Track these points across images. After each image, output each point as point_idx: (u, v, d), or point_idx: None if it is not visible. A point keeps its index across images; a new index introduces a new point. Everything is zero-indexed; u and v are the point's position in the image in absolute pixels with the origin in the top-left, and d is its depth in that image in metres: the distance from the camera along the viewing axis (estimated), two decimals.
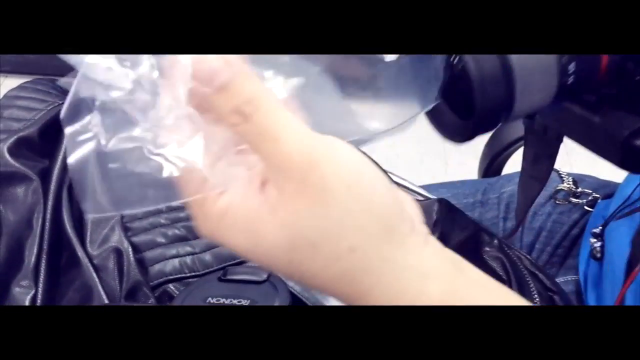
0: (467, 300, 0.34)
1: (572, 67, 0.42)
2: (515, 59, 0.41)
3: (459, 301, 0.34)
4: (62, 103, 0.67)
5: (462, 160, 1.81)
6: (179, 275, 0.57)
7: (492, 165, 0.99)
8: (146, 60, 0.32)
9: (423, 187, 0.96)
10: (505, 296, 0.37)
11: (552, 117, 0.53)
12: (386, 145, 1.88)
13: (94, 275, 0.55)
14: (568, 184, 0.83)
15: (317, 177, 0.32)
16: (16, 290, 0.55)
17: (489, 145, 1.01)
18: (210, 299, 0.51)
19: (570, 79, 0.42)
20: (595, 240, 0.69)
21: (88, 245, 0.57)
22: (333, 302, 0.38)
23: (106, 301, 0.54)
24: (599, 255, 0.68)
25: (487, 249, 0.61)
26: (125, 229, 0.58)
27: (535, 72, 0.41)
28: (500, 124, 0.45)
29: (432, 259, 0.35)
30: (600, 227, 0.69)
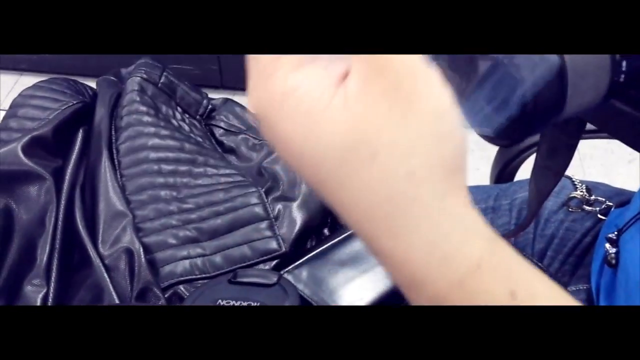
0: (501, 269, 0.33)
1: (624, 66, 0.42)
2: (569, 59, 0.40)
3: (495, 266, 0.32)
4: (77, 103, 0.68)
5: (476, 166, 1.80)
6: (190, 277, 0.57)
7: (504, 171, 0.99)
8: None
9: None
10: (536, 276, 0.34)
11: (591, 114, 0.52)
12: None
13: (105, 275, 0.56)
14: (581, 191, 0.82)
15: (412, 88, 0.30)
16: (28, 288, 0.55)
17: (501, 151, 1.01)
18: (220, 301, 0.51)
19: (621, 78, 0.42)
20: (610, 246, 0.68)
21: (100, 245, 0.58)
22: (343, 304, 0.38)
23: (117, 301, 0.54)
24: (613, 262, 0.67)
25: None
26: (137, 230, 0.58)
27: (588, 72, 0.41)
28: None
29: (478, 218, 0.33)
30: (616, 233, 0.68)
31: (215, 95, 2.05)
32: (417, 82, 0.30)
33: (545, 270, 0.62)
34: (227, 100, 0.76)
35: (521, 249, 0.83)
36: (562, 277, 0.78)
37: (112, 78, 0.75)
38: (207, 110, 0.74)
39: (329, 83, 0.30)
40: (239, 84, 2.00)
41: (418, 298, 0.33)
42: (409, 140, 0.30)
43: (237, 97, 2.00)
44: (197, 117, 0.73)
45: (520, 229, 0.73)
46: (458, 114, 0.31)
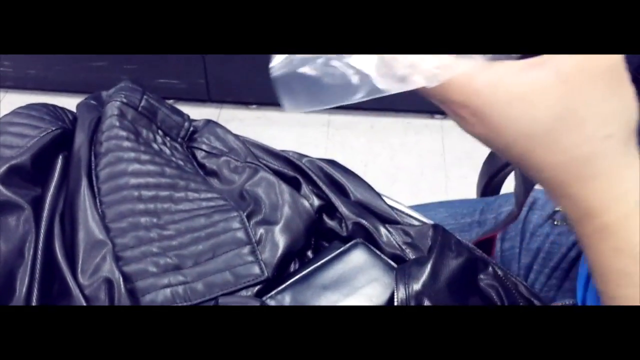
0: None
1: None
2: None
3: None
4: (56, 129, 0.67)
5: (463, 174, 1.80)
6: (171, 305, 0.57)
7: (490, 183, 0.98)
8: None
9: (421, 206, 0.95)
10: None
11: None
12: (386, 157, 1.87)
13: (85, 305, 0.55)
14: None
15: (616, 77, 0.38)
16: None
17: (486, 163, 1.01)
18: None
19: None
20: None
21: (79, 275, 0.57)
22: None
23: None
24: None
25: (482, 276, 0.60)
26: (117, 259, 0.58)
27: None
28: None
29: None
30: None
31: (204, 110, 2.05)
32: (620, 69, 0.38)
33: (530, 288, 0.61)
34: (208, 122, 0.75)
35: (508, 262, 0.83)
36: (548, 291, 0.78)
37: (92, 102, 0.74)
38: (189, 132, 0.73)
39: (526, 68, 0.37)
40: (226, 97, 2.00)
41: (585, 228, 0.41)
42: (610, 111, 0.38)
43: (225, 110, 2.00)
44: (179, 140, 0.73)
45: (510, 220, 0.72)
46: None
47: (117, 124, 0.68)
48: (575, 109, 0.37)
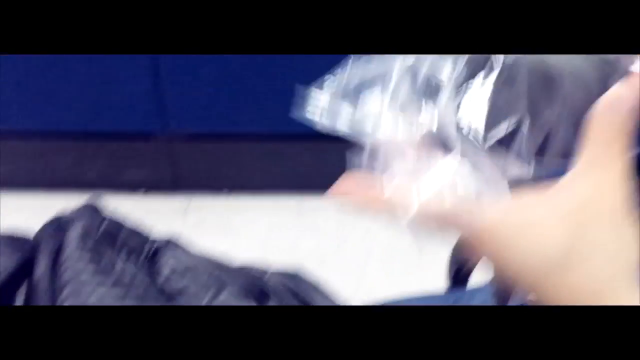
0: None
1: None
2: None
3: None
4: (15, 264, 0.67)
5: (435, 250, 1.81)
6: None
7: (458, 274, 0.98)
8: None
9: (390, 302, 0.95)
10: None
11: None
12: (358, 238, 1.87)
13: None
14: None
15: (621, 215, 0.39)
16: None
17: (453, 253, 1.01)
18: None
19: None
20: None
21: None
22: None
23: None
24: None
25: None
26: None
27: None
28: None
29: None
30: None
31: (173, 200, 2.04)
32: (623, 210, 0.39)
33: None
34: (169, 242, 0.75)
35: None
36: None
37: (52, 228, 0.74)
38: (151, 252, 0.73)
39: (535, 207, 0.39)
40: (195, 186, 2.00)
41: None
42: (613, 251, 0.39)
43: (194, 200, 2.00)
44: (141, 261, 0.72)
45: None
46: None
47: (78, 251, 0.68)
48: (580, 248, 0.39)
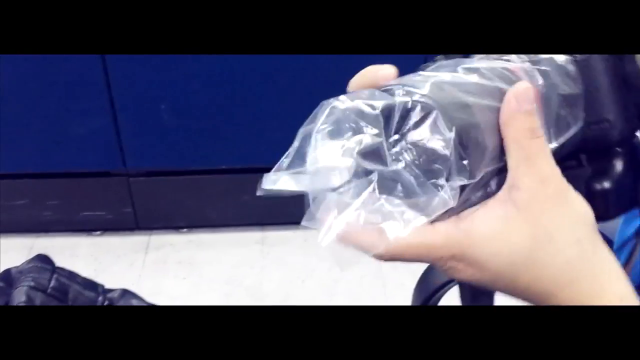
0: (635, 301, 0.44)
1: None
2: None
3: (633, 300, 0.44)
4: None
5: (401, 281, 1.80)
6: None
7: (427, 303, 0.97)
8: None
9: None
10: None
11: None
12: (323, 270, 1.85)
13: None
14: None
15: (564, 192, 0.43)
16: None
17: (417, 289, 1.00)
18: None
19: None
20: None
21: None
22: None
23: None
24: None
25: None
26: None
27: None
28: None
29: (616, 261, 0.45)
30: None
31: (133, 238, 2.00)
32: (565, 190, 0.43)
33: None
34: (124, 292, 0.72)
35: None
36: None
37: (0, 284, 0.70)
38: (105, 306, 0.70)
39: (496, 206, 0.42)
40: (155, 223, 1.96)
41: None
42: (569, 220, 0.43)
43: (155, 237, 1.96)
44: None
45: None
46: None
47: None
48: (542, 228, 0.42)
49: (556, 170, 0.43)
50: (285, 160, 0.41)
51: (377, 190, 0.38)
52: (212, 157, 1.82)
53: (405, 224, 0.39)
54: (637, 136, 0.50)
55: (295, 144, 0.40)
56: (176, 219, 1.96)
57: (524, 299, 0.45)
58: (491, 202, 0.42)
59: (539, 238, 0.42)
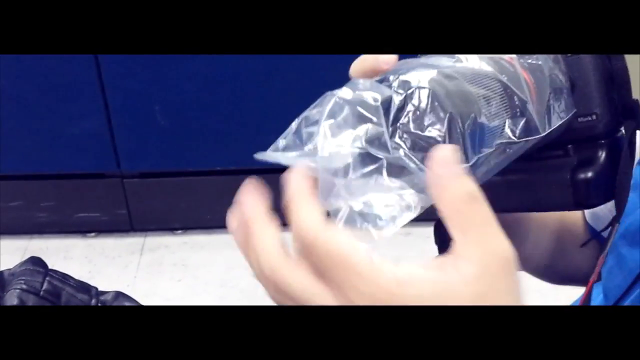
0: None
1: None
2: None
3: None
4: None
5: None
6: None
7: None
8: None
9: None
10: None
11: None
12: None
13: None
14: None
15: (510, 262, 0.40)
16: None
17: None
18: None
19: None
20: None
21: None
22: None
23: None
24: None
25: None
26: None
27: None
28: None
29: None
30: None
31: (127, 240, 1.99)
32: (510, 254, 0.40)
33: None
34: (118, 295, 0.72)
35: None
36: None
37: None
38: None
39: (434, 267, 0.39)
40: (150, 225, 1.96)
41: None
42: (515, 292, 0.41)
43: (149, 239, 1.96)
44: None
45: None
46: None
47: None
48: (485, 294, 0.40)
49: (502, 237, 0.40)
50: (282, 141, 0.41)
51: (386, 174, 0.39)
52: (206, 158, 1.81)
53: (401, 212, 0.39)
54: (620, 131, 0.51)
55: (293, 126, 0.40)
56: (171, 221, 1.95)
57: None
58: (434, 264, 0.39)
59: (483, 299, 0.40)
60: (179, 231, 1.97)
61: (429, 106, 0.39)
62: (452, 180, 0.38)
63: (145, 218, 1.93)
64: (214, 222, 1.94)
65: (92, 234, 1.95)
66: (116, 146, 1.75)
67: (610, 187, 0.51)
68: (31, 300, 0.66)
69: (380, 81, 0.40)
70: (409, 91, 0.39)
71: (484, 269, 0.39)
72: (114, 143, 1.74)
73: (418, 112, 0.39)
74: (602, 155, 0.51)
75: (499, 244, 0.40)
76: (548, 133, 0.47)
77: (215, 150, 1.79)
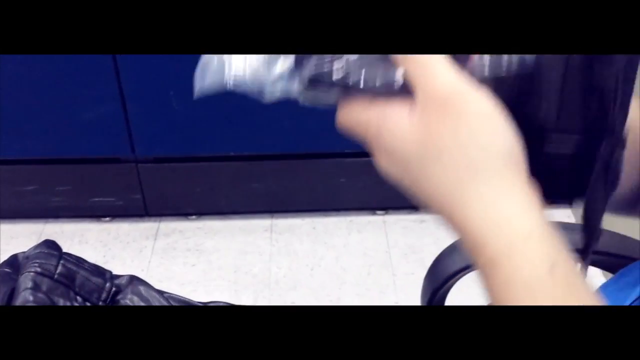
0: (547, 244, 0.41)
1: None
2: None
3: (542, 240, 0.41)
4: None
5: (410, 270, 1.79)
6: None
7: (433, 299, 0.96)
8: None
9: None
10: (573, 258, 0.42)
11: None
12: (332, 259, 1.85)
13: None
14: None
15: (457, 103, 0.41)
16: None
17: (427, 279, 0.99)
18: None
19: None
20: None
21: None
22: None
23: None
24: None
25: None
26: None
27: None
28: None
29: (533, 198, 0.42)
30: None
31: (142, 224, 2.00)
32: (460, 97, 0.42)
33: None
34: (132, 279, 0.72)
35: None
36: None
37: (6, 269, 0.70)
38: (111, 294, 0.70)
39: (400, 112, 0.43)
40: (164, 210, 1.96)
41: (478, 261, 0.42)
42: (463, 140, 0.41)
43: (164, 224, 1.96)
44: (100, 303, 0.69)
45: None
46: (504, 119, 0.42)
47: (31, 298, 0.64)
48: (432, 145, 0.42)
49: (454, 79, 0.42)
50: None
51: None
52: (221, 143, 1.81)
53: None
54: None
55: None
56: (185, 206, 1.96)
57: (428, 207, 0.45)
58: (400, 97, 0.43)
59: (427, 153, 0.42)
60: (193, 216, 1.98)
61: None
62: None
63: (160, 203, 1.94)
64: (228, 207, 1.94)
65: (107, 219, 1.96)
66: (131, 131, 1.75)
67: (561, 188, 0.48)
68: (45, 284, 0.66)
69: None
70: None
71: (425, 104, 0.42)
72: (129, 128, 1.75)
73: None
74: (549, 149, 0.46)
75: (438, 87, 0.42)
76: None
77: (229, 136, 1.79)
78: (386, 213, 1.95)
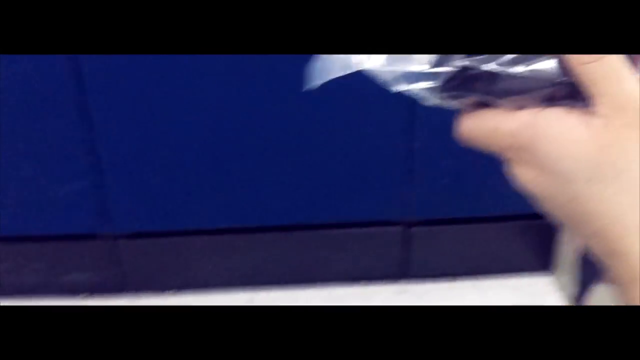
0: None
1: None
2: None
3: None
4: None
5: None
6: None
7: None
8: None
9: None
10: None
11: None
12: None
13: None
14: None
15: None
16: None
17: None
18: None
19: None
20: None
21: None
22: None
23: None
24: None
25: None
26: None
27: None
28: None
29: None
30: None
31: (117, 303, 1.95)
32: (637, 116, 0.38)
33: None
34: None
35: None
36: None
37: None
38: None
39: (575, 120, 0.40)
40: (140, 287, 1.92)
41: (634, 291, 0.39)
42: None
43: (141, 302, 1.91)
44: None
45: None
46: None
47: None
48: (611, 162, 0.39)
49: (632, 88, 0.39)
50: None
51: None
52: (198, 217, 1.79)
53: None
54: None
55: None
56: (163, 282, 1.92)
57: (584, 237, 0.41)
58: (565, 109, 0.40)
59: (604, 170, 0.38)
60: (172, 291, 1.94)
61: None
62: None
63: (137, 279, 1.90)
64: (208, 282, 1.91)
65: (82, 297, 1.92)
66: (105, 206, 1.73)
67: None
68: None
69: None
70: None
71: (608, 120, 0.38)
72: (104, 202, 1.72)
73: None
74: None
75: (628, 95, 0.38)
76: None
77: (209, 208, 1.77)
78: (369, 284, 1.93)
